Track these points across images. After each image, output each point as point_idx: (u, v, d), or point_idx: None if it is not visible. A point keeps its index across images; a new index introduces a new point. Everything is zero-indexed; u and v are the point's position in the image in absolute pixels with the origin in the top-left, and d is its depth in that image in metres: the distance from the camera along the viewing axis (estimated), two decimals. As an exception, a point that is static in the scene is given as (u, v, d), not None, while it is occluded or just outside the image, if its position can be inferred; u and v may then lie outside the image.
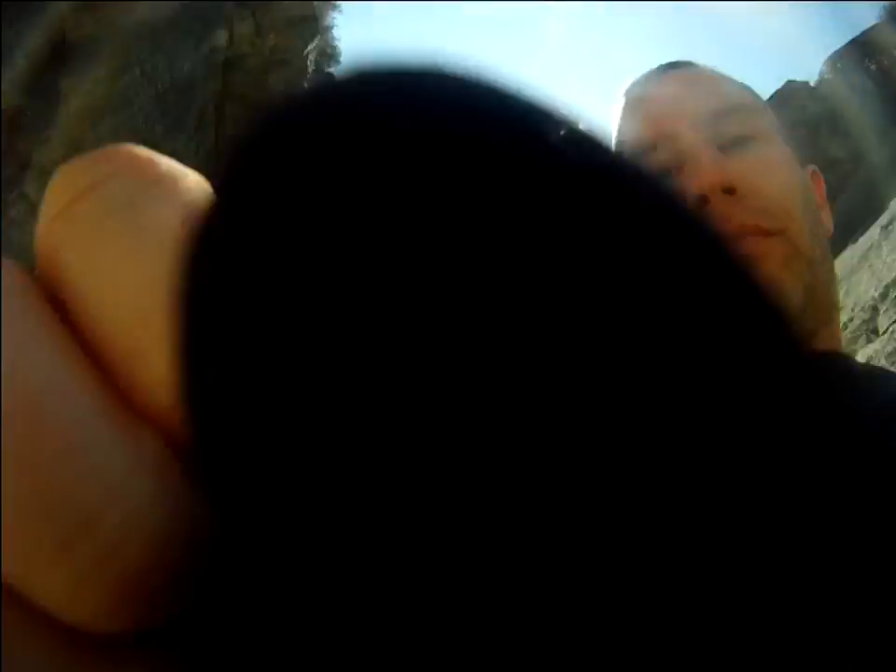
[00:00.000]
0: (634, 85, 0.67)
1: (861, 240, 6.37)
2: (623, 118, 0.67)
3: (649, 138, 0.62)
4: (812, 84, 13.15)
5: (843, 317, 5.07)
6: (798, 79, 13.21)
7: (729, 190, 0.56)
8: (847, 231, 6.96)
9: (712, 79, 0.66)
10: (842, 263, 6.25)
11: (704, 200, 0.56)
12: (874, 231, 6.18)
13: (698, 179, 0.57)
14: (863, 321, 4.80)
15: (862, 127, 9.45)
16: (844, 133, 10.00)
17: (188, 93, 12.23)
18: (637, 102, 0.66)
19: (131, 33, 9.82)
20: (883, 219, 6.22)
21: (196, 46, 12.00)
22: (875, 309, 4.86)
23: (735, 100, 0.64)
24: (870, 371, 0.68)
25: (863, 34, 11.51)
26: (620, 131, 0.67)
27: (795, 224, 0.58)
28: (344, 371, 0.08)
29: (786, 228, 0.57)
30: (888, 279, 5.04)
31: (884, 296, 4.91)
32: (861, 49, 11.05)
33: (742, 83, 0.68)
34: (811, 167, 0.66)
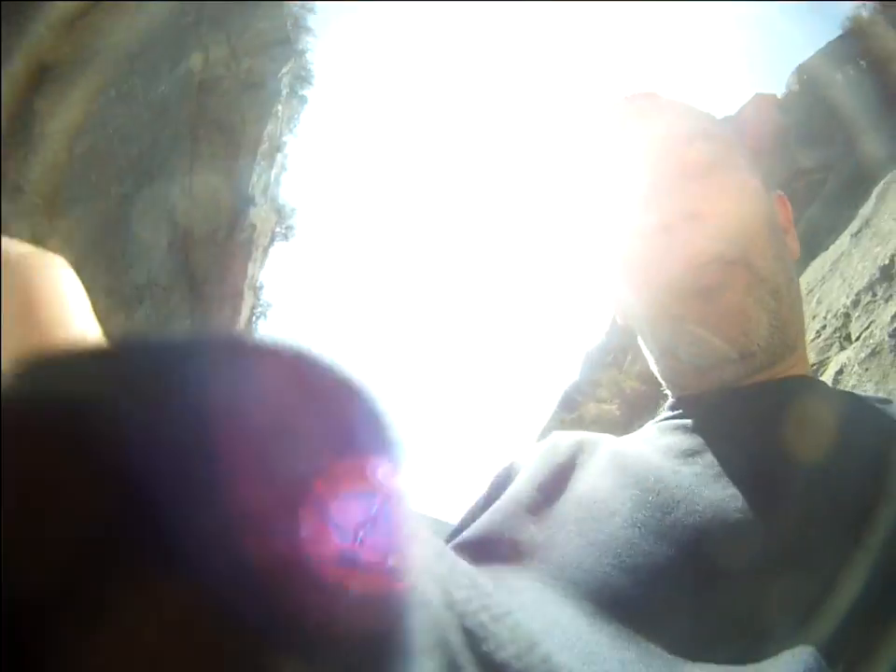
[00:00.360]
0: (599, 115, 0.66)
1: (832, 248, 6.49)
2: (589, 148, 0.67)
3: (615, 167, 0.63)
4: (780, 96, 13.37)
5: (815, 325, 5.15)
6: (766, 92, 13.41)
7: (692, 217, 0.56)
8: (818, 239, 7.09)
9: (676, 108, 0.65)
10: (813, 272, 6.37)
11: (666, 228, 0.57)
12: (844, 239, 6.30)
13: (661, 207, 0.58)
14: (836, 328, 4.88)
15: (831, 136, 9.67)
16: (812, 142, 10.21)
17: (163, 115, 12.16)
18: (602, 132, 0.65)
19: (107, 55, 9.87)
20: (853, 227, 6.34)
21: (171, 68, 11.97)
22: (847, 316, 4.94)
23: (699, 128, 0.63)
24: (835, 394, 0.68)
25: (829, 45, 11.80)
26: (586, 161, 0.67)
27: (758, 250, 0.58)
28: None
29: (748, 254, 0.57)
30: (859, 286, 5.13)
31: (856, 303, 5.00)
32: (828, 60, 11.31)
33: (706, 111, 0.67)
34: (778, 192, 0.67)
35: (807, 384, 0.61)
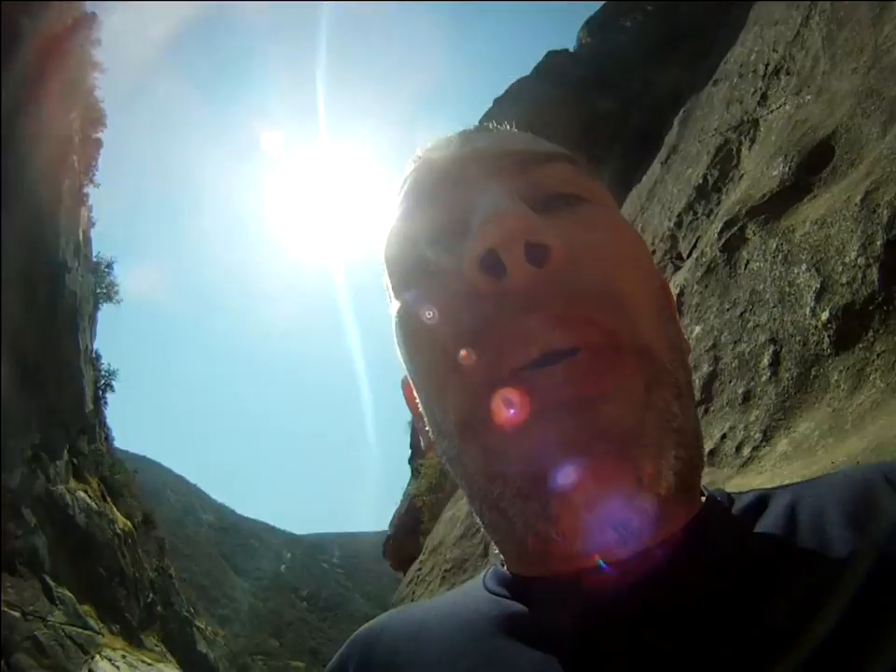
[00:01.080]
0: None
1: (645, 179, 6.39)
2: (410, 173, 0.49)
3: (436, 192, 0.45)
4: (572, 50, 13.51)
5: (644, 252, 4.88)
6: (558, 48, 13.52)
7: (537, 254, 0.37)
8: (630, 173, 6.99)
9: (518, 132, 0.50)
10: (631, 204, 6.19)
11: (493, 263, 0.37)
12: (655, 167, 6.20)
13: (486, 233, 0.37)
14: (665, 251, 4.66)
15: (626, 78, 9.74)
16: (609, 88, 10.25)
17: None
18: (424, 155, 0.50)
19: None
20: (661, 155, 6.26)
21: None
22: (673, 238, 4.76)
23: (548, 148, 0.46)
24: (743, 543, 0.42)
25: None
26: (406, 189, 0.48)
27: (648, 325, 0.39)
28: None
29: (637, 331, 0.38)
30: (678, 208, 4.96)
31: (679, 224, 4.81)
32: (615, 9, 11.53)
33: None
34: (659, 276, 0.47)
35: (712, 537, 0.40)
